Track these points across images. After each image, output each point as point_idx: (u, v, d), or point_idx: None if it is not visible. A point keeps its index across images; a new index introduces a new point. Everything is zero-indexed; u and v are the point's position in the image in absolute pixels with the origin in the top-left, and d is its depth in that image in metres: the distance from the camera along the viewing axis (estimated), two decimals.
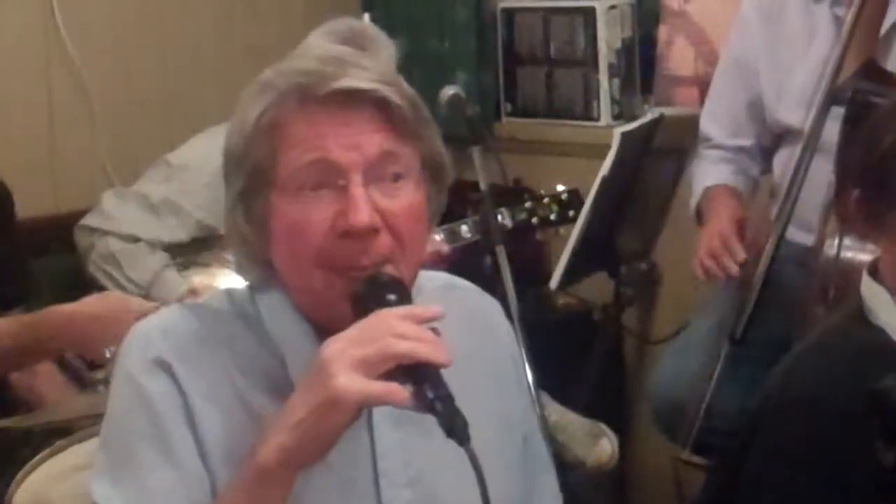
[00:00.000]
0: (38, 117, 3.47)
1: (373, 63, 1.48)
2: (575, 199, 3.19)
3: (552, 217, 3.17)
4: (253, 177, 1.47)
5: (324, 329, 1.48)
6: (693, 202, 3.10)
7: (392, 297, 1.43)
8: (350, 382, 1.33)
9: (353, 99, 1.44)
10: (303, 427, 1.35)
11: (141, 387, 1.46)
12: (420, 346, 1.35)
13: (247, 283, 1.55)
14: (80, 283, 3.17)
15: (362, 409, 1.36)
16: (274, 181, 1.46)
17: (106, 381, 2.24)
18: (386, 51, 3.28)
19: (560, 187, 3.20)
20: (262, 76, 1.50)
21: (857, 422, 1.66)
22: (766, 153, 3.09)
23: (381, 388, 1.33)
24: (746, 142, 3.07)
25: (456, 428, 1.33)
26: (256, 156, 1.46)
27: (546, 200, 3.17)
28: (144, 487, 1.43)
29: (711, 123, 3.13)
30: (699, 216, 3.05)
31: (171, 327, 1.51)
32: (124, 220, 3.17)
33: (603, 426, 3.18)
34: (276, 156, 1.46)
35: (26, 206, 3.02)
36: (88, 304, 2.54)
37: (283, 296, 1.51)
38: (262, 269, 1.51)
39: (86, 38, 3.51)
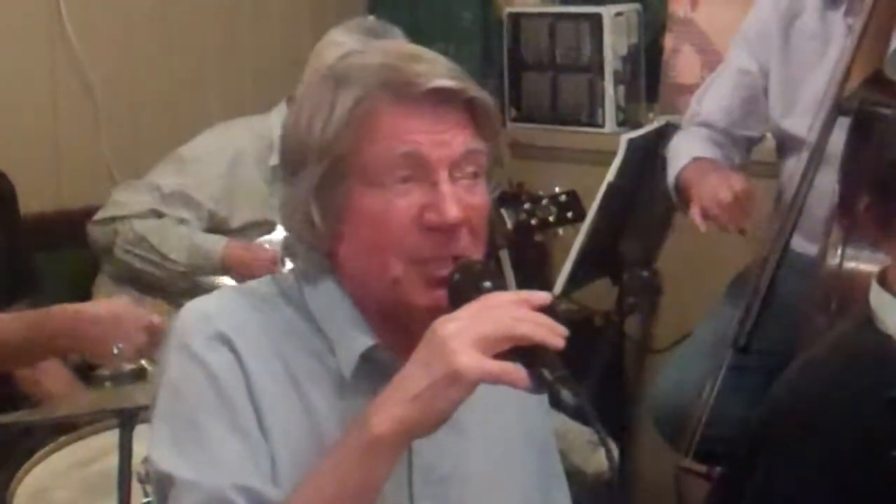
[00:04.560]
0: (43, 113, 3.47)
1: (448, 62, 1.53)
2: (573, 200, 3.21)
3: (551, 218, 3.19)
4: (334, 166, 1.49)
5: (376, 320, 1.52)
6: (673, 171, 2.98)
7: (488, 283, 1.47)
8: (471, 360, 1.36)
9: (444, 97, 1.49)
10: (421, 400, 1.38)
11: (204, 361, 1.48)
12: (539, 329, 1.38)
13: (298, 272, 1.57)
14: (84, 279, 3.17)
15: (477, 385, 1.39)
16: (354, 171, 1.49)
17: (112, 378, 2.23)
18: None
19: (557, 189, 3.21)
20: (331, 70, 1.53)
21: (867, 430, 1.66)
22: (751, 144, 3.07)
23: (500, 367, 1.37)
24: (736, 130, 3.05)
25: (581, 407, 1.36)
26: (341, 146, 1.49)
27: (544, 202, 3.19)
28: (213, 458, 1.45)
29: (705, 100, 3.09)
30: (681, 187, 2.94)
31: (227, 307, 1.53)
32: (140, 203, 3.16)
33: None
34: (360, 147, 1.49)
35: (30, 202, 3.02)
36: (96, 305, 2.53)
37: (335, 285, 1.54)
38: (320, 258, 1.54)
39: (91, 36, 3.51)
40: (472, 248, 1.50)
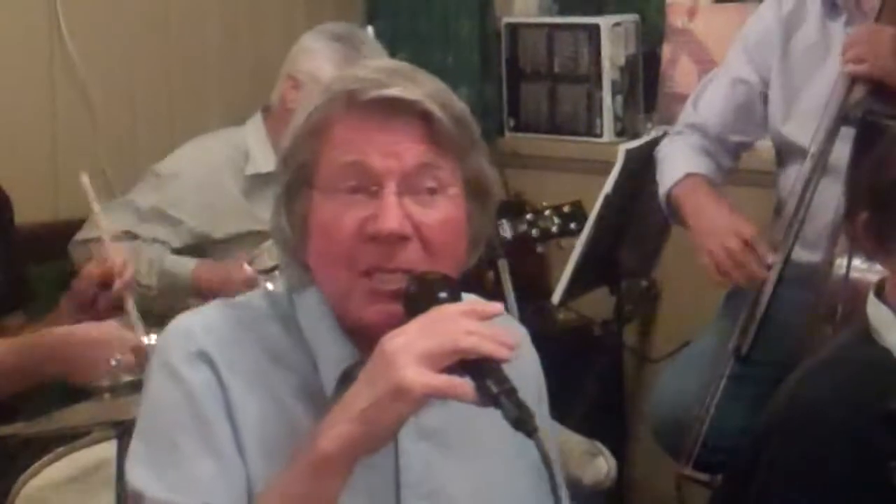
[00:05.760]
0: (40, 123, 3.46)
1: (427, 80, 1.52)
2: (578, 211, 3.20)
3: (553, 229, 3.18)
4: (296, 175, 1.51)
5: (355, 331, 1.51)
6: (666, 183, 2.99)
7: (443, 294, 1.46)
8: (417, 375, 1.35)
9: (397, 109, 1.48)
10: (366, 417, 1.38)
11: (182, 378, 1.48)
12: (486, 342, 1.38)
13: (285, 284, 1.57)
14: None
15: (425, 401, 1.38)
16: (315, 181, 1.50)
17: (111, 390, 2.23)
18: (377, 53, 3.31)
19: (561, 201, 3.21)
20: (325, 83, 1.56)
21: (863, 441, 1.67)
22: (740, 150, 3.08)
23: (446, 381, 1.36)
24: (728, 135, 3.05)
25: (523, 420, 1.35)
26: (302, 154, 1.51)
27: (547, 213, 3.18)
28: (186, 476, 1.45)
29: (701, 103, 3.09)
30: (673, 203, 2.97)
31: (211, 323, 1.53)
32: (116, 222, 3.15)
33: (600, 445, 3.17)
34: (318, 156, 1.50)
35: (26, 212, 3.01)
36: (84, 328, 2.51)
37: (319, 296, 1.54)
38: (301, 270, 1.55)
39: (89, 45, 3.51)
40: (423, 264, 1.48)
